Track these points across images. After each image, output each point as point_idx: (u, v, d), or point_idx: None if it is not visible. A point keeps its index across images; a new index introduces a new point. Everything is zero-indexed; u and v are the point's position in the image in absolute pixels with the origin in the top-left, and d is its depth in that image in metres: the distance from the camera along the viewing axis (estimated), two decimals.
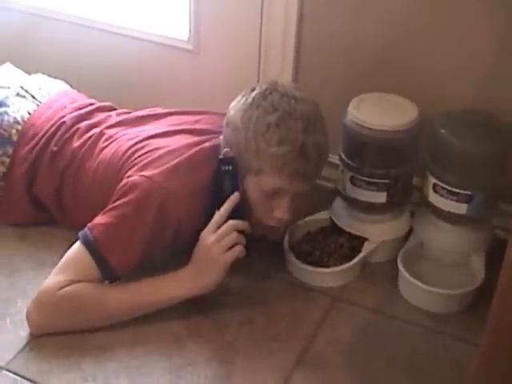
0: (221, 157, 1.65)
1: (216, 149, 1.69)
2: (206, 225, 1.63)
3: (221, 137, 1.70)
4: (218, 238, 1.59)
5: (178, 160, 1.66)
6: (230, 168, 1.63)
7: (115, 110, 1.97)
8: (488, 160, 1.72)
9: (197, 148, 1.69)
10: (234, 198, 1.63)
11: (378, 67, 1.91)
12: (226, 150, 1.65)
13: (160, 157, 1.68)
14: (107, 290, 1.61)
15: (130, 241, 1.60)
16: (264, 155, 1.60)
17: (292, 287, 1.78)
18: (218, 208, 1.63)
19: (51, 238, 1.86)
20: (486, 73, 1.80)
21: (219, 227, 1.60)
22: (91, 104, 1.96)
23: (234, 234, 1.60)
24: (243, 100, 1.65)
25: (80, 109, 1.92)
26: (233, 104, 1.68)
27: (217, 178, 1.65)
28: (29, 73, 2.07)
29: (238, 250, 1.60)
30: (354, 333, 1.66)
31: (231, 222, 1.61)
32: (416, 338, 1.66)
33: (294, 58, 1.98)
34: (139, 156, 1.70)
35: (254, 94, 1.64)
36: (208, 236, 1.60)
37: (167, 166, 1.64)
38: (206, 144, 1.71)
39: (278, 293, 1.76)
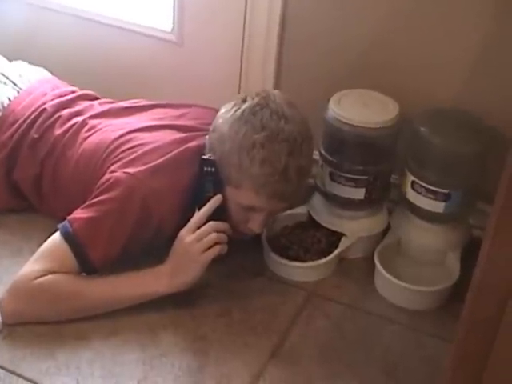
0: (203, 157, 1.65)
1: (201, 149, 1.69)
2: (186, 222, 1.63)
3: (206, 137, 1.69)
4: (197, 238, 1.59)
5: (162, 159, 1.65)
6: (213, 170, 1.63)
7: (98, 99, 1.96)
8: (467, 159, 1.74)
9: (181, 148, 1.69)
10: (216, 200, 1.63)
11: (360, 64, 1.91)
12: (209, 155, 1.64)
13: (145, 154, 1.67)
14: (84, 282, 1.60)
15: (111, 236, 1.60)
16: (245, 173, 1.60)
17: (269, 281, 1.79)
18: (199, 208, 1.63)
19: (28, 225, 1.85)
20: (468, 73, 1.81)
21: (199, 227, 1.61)
22: (73, 92, 1.95)
23: (214, 235, 1.60)
24: (233, 111, 1.63)
25: (61, 96, 1.91)
26: (222, 111, 1.66)
27: (199, 178, 1.65)
28: (10, 60, 2.06)
29: (218, 249, 1.60)
30: (329, 328, 1.67)
31: (212, 222, 1.61)
32: (391, 335, 1.67)
33: (277, 51, 1.98)
34: (124, 151, 1.69)
35: (244, 106, 1.62)
36: (187, 235, 1.60)
37: (151, 164, 1.64)
38: (192, 143, 1.71)
39: (255, 286, 1.76)
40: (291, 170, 1.59)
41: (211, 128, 1.67)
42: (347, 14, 1.89)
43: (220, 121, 1.65)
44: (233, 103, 1.65)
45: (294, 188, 1.63)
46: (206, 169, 1.63)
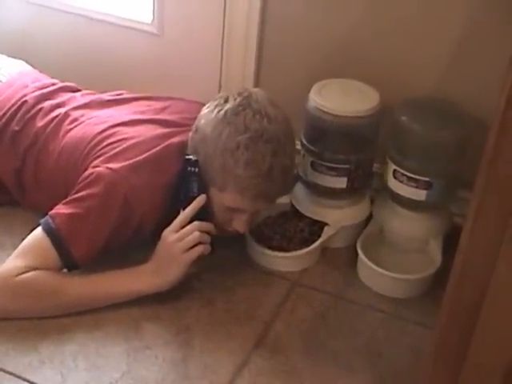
0: (187, 157, 1.64)
1: (183, 145, 1.68)
2: (168, 220, 1.63)
3: (189, 133, 1.68)
4: (180, 237, 1.60)
5: (145, 155, 1.65)
6: (196, 170, 1.62)
7: (79, 90, 1.95)
8: (447, 147, 1.74)
9: (164, 144, 1.68)
10: (200, 200, 1.63)
11: (340, 53, 1.91)
12: (193, 156, 1.63)
13: (127, 149, 1.66)
14: (67, 280, 1.60)
15: (93, 232, 1.59)
16: (229, 174, 1.59)
17: (252, 271, 1.79)
18: (183, 209, 1.63)
19: (10, 220, 1.84)
20: (448, 61, 1.81)
21: (183, 227, 1.61)
22: (54, 84, 1.94)
23: (197, 234, 1.60)
24: (216, 111, 1.62)
25: (42, 88, 1.89)
26: (205, 111, 1.65)
27: (183, 176, 1.64)
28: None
29: (201, 248, 1.61)
30: (312, 317, 1.68)
31: (195, 222, 1.61)
32: (374, 323, 1.68)
33: (258, 42, 1.97)
34: (106, 145, 1.68)
35: (227, 107, 1.61)
36: (170, 235, 1.61)
37: (134, 160, 1.63)
38: (174, 140, 1.70)
39: (238, 276, 1.76)
40: (276, 171, 1.59)
41: (193, 128, 1.67)
42: (328, 3, 1.88)
43: (202, 121, 1.64)
44: (215, 103, 1.64)
45: (278, 188, 1.64)
46: (189, 169, 1.63)
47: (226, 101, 1.63)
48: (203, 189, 1.64)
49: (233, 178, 1.59)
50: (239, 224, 1.67)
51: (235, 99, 1.62)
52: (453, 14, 1.76)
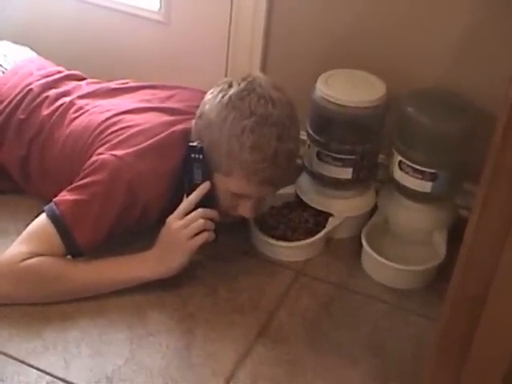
0: (191, 144, 1.64)
1: (187, 132, 1.68)
2: (172, 207, 1.63)
3: (193, 121, 1.68)
4: (185, 224, 1.60)
5: (149, 142, 1.64)
6: (200, 157, 1.62)
7: (84, 79, 1.95)
8: (453, 139, 1.74)
9: (168, 131, 1.68)
10: (204, 187, 1.62)
11: (347, 44, 1.90)
12: (197, 142, 1.63)
13: (131, 136, 1.66)
14: (71, 266, 1.60)
15: (97, 219, 1.59)
16: (235, 159, 1.59)
17: (256, 260, 1.79)
18: (188, 195, 1.63)
19: (14, 206, 1.84)
20: (455, 53, 1.81)
21: (187, 214, 1.61)
22: (59, 72, 1.94)
23: (201, 221, 1.60)
24: (220, 96, 1.61)
25: (48, 76, 1.89)
26: (208, 97, 1.65)
27: (186, 163, 1.64)
28: None
29: (205, 235, 1.60)
30: (316, 307, 1.68)
31: (200, 209, 1.61)
32: (378, 313, 1.68)
33: (264, 30, 1.97)
34: (111, 133, 1.68)
35: (231, 92, 1.60)
36: (175, 222, 1.61)
37: (138, 147, 1.63)
38: (178, 127, 1.70)
39: (242, 266, 1.76)
40: (281, 155, 1.59)
41: (197, 114, 1.66)
42: None
43: (207, 107, 1.64)
44: (219, 88, 1.64)
45: (283, 172, 1.63)
46: (193, 156, 1.63)
47: (230, 86, 1.63)
48: (207, 175, 1.63)
49: (238, 163, 1.59)
50: (245, 210, 1.67)
51: (239, 84, 1.62)
52: (459, 6, 1.75)
